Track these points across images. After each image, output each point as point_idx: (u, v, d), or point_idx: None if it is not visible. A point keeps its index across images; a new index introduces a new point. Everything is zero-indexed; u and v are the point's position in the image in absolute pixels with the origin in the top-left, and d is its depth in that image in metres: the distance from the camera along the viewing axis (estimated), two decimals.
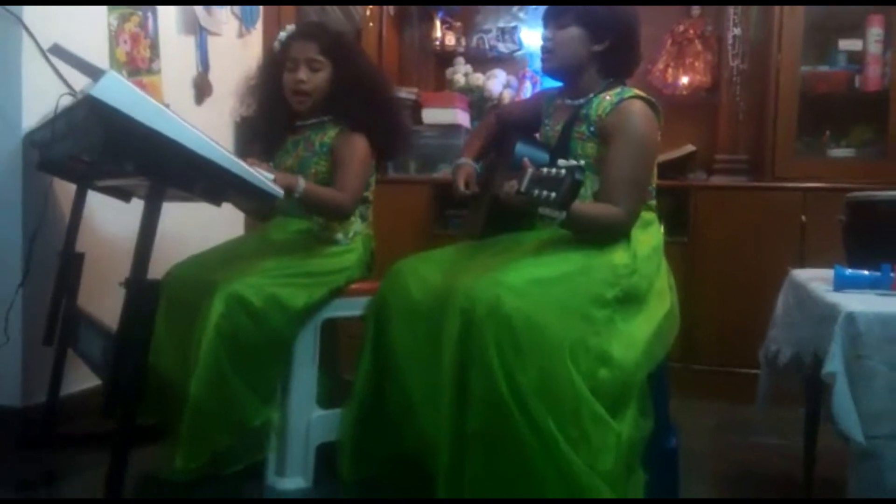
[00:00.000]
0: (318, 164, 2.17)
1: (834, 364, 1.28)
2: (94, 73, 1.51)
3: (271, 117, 2.25)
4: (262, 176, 1.62)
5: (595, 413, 1.65)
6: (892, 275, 1.49)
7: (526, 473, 1.61)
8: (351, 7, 3.58)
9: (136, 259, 1.53)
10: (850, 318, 1.30)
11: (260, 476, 2.05)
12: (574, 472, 1.60)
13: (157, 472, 1.93)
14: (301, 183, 1.96)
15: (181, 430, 1.86)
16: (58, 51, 1.66)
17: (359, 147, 2.13)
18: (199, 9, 2.97)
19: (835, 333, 1.29)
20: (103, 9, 2.53)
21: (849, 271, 1.55)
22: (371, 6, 3.42)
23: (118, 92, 1.42)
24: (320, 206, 2.06)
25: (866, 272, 1.53)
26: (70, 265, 2.22)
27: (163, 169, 1.50)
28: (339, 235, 2.15)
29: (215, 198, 1.63)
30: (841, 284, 1.53)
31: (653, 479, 1.77)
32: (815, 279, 1.73)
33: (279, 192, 1.67)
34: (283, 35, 2.21)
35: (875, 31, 3.04)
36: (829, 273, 1.62)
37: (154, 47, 2.76)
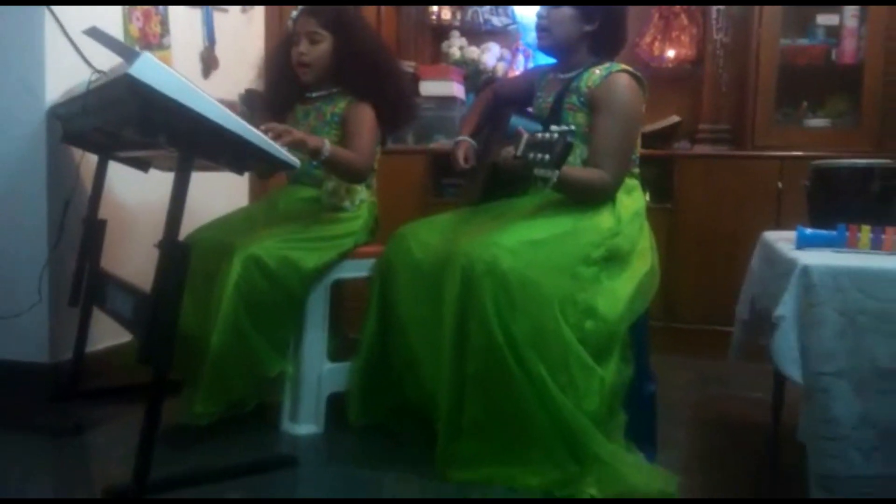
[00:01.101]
0: (329, 134, 2.30)
1: (784, 309, 1.46)
2: (128, 53, 1.66)
3: (282, 89, 2.39)
4: (279, 147, 1.78)
5: (582, 360, 1.83)
6: (846, 234, 1.67)
7: (519, 413, 1.80)
8: None
9: (168, 222, 1.68)
10: (805, 270, 1.47)
11: (275, 422, 2.23)
12: (562, 411, 1.79)
13: (177, 419, 2.07)
14: (327, 144, 2.10)
15: (202, 379, 2.02)
16: (95, 33, 1.79)
17: (367, 115, 2.27)
18: None
19: (790, 283, 1.47)
20: None
21: (809, 231, 1.72)
22: None
23: (153, 71, 1.56)
24: (341, 167, 2.19)
25: (825, 232, 1.70)
26: (93, 231, 2.37)
27: (192, 141, 1.65)
28: (346, 203, 2.30)
29: (238, 167, 1.79)
30: (802, 243, 1.71)
31: (633, 420, 1.96)
32: (782, 239, 1.90)
33: (297, 162, 1.83)
34: (294, 13, 2.35)
35: (851, 7, 3.17)
36: (794, 234, 1.78)
37: (164, 23, 2.89)
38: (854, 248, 1.65)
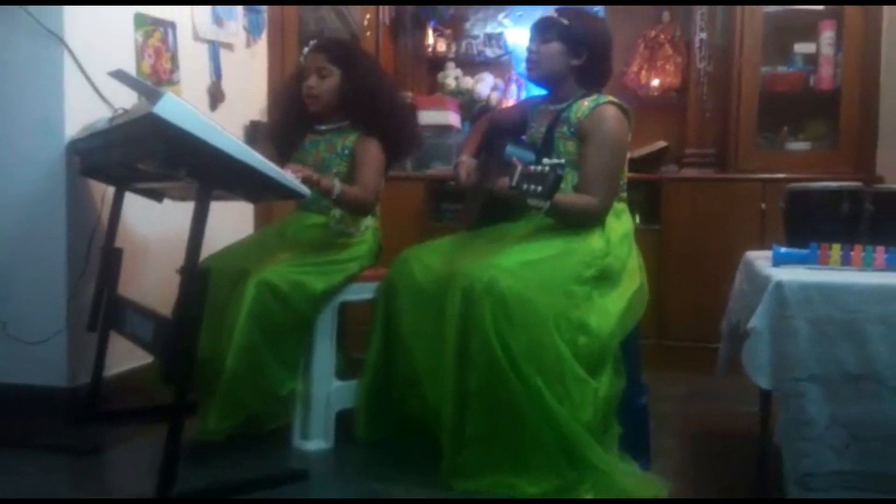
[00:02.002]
0: (340, 166, 2.44)
1: (757, 320, 1.59)
2: (151, 93, 1.79)
3: (291, 121, 2.53)
4: (291, 178, 1.91)
5: (576, 373, 1.95)
6: (818, 252, 1.80)
7: (519, 424, 1.91)
8: (348, 17, 3.86)
9: (189, 249, 1.81)
10: (779, 285, 1.60)
11: (286, 439, 2.33)
12: (559, 422, 1.90)
13: (192, 437, 2.14)
14: (337, 186, 2.25)
15: (216, 396, 2.13)
16: (120, 75, 1.93)
17: (375, 149, 2.41)
18: (211, 23, 3.24)
19: (764, 298, 1.60)
20: (130, 26, 2.80)
21: (783, 249, 1.85)
22: (369, 15, 3.69)
23: (175, 109, 1.69)
24: (351, 204, 2.34)
25: (798, 250, 1.84)
26: (111, 259, 2.49)
27: (211, 174, 1.79)
28: (352, 229, 2.43)
29: (254, 197, 1.92)
30: (778, 261, 1.84)
31: (627, 431, 2.07)
32: (761, 258, 2.03)
33: (307, 192, 1.96)
34: (305, 49, 2.50)
35: (827, 35, 3.34)
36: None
37: (174, 59, 3.03)
38: (826, 265, 1.78)
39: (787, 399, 1.57)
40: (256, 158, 1.80)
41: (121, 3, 2.74)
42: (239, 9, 3.46)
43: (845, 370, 1.55)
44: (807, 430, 1.55)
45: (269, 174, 1.82)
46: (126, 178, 2.40)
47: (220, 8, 3.27)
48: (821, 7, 3.35)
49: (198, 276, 1.80)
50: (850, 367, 1.55)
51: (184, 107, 1.71)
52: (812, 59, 3.39)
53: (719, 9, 3.43)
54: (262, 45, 3.70)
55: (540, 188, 1.80)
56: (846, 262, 1.76)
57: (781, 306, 1.58)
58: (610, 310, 2.05)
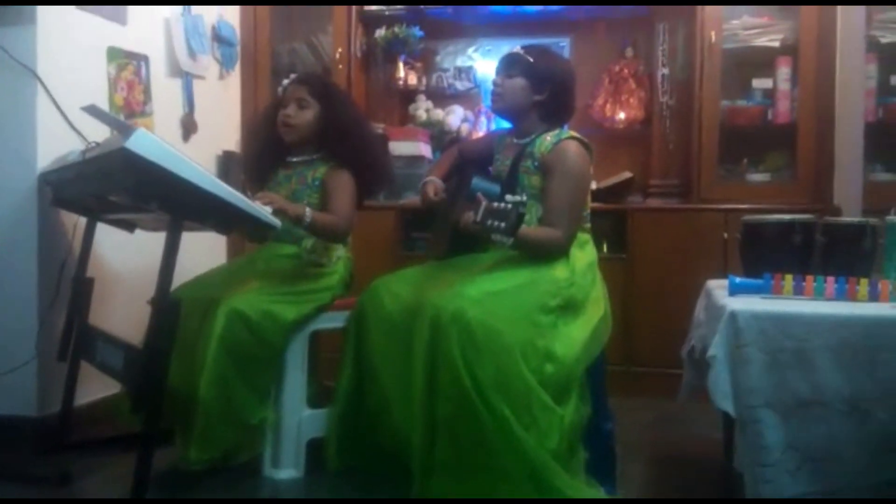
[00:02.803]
0: (311, 197, 2.48)
1: (714, 349, 1.66)
2: (123, 128, 1.83)
3: (266, 152, 2.58)
4: (262, 209, 1.95)
5: (542, 401, 1.99)
6: (771, 282, 1.87)
7: (486, 452, 1.94)
8: (320, 49, 3.92)
9: (160, 280, 1.84)
10: (733, 315, 1.67)
11: (257, 468, 2.34)
12: (526, 449, 1.93)
13: (174, 465, 2.18)
14: (308, 212, 2.29)
15: (194, 428, 2.14)
16: (93, 110, 1.96)
17: (347, 180, 2.46)
18: (183, 56, 3.28)
19: (720, 328, 1.66)
20: (103, 60, 2.83)
21: (739, 279, 1.92)
22: (340, 49, 3.75)
23: (147, 144, 1.73)
24: (324, 231, 2.38)
25: (753, 280, 1.91)
26: (82, 288, 2.50)
27: (182, 206, 1.82)
28: (324, 259, 2.47)
29: (224, 228, 1.95)
30: (734, 290, 1.91)
31: (593, 457, 2.12)
32: (721, 287, 2.10)
33: (277, 223, 2.00)
34: (285, 82, 2.55)
35: (784, 71, 3.46)
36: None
37: (147, 92, 3.07)
38: (779, 295, 1.85)
39: (745, 426, 1.63)
40: (226, 190, 1.84)
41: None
42: (211, 42, 3.51)
43: (798, 396, 1.61)
44: (764, 455, 1.60)
45: (239, 206, 1.85)
46: (98, 209, 2.42)
47: (192, 41, 3.31)
48: (777, 45, 3.47)
49: (169, 307, 1.82)
50: (801, 392, 1.61)
51: (155, 141, 1.75)
52: (769, 94, 3.50)
53: (679, 45, 3.54)
54: (235, 77, 3.75)
55: (503, 224, 1.86)
56: (798, 291, 1.84)
57: (736, 336, 1.65)
58: (575, 337, 2.10)
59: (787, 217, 2.11)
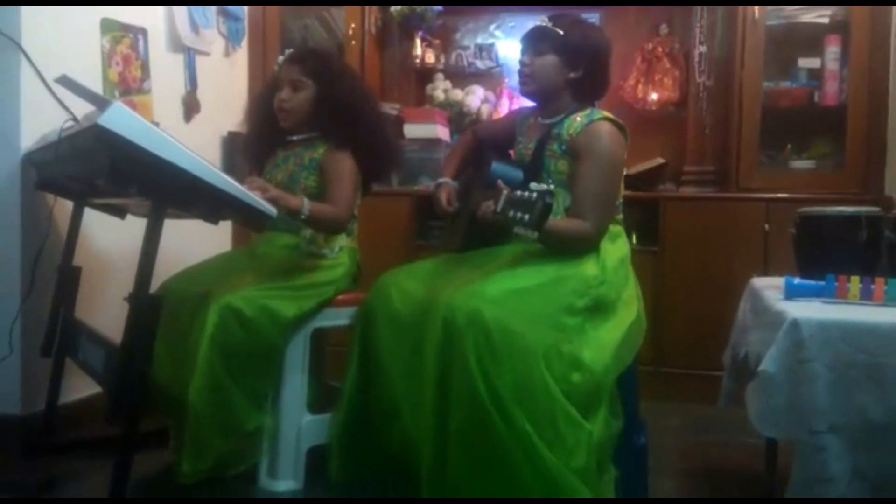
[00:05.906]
0: (308, 180, 2.29)
1: (768, 363, 1.42)
2: (100, 102, 1.62)
3: (263, 133, 2.38)
4: (255, 197, 1.74)
5: (568, 414, 1.77)
6: (835, 284, 1.63)
7: (504, 470, 1.73)
8: (332, 25, 3.70)
9: (138, 275, 1.64)
10: (795, 324, 1.43)
11: (253, 479, 2.16)
12: (549, 469, 1.72)
13: (167, 476, 2.03)
14: (305, 204, 2.09)
15: (185, 436, 1.97)
16: (66, 81, 1.76)
17: (346, 164, 2.25)
18: (186, 29, 3.08)
19: (778, 338, 1.43)
20: (97, 32, 2.63)
21: (797, 281, 1.68)
22: (354, 24, 3.54)
23: (123, 120, 1.53)
24: (321, 223, 2.20)
25: (813, 282, 1.67)
26: (68, 279, 2.32)
27: (164, 191, 1.62)
28: (325, 250, 2.27)
29: (213, 217, 1.74)
30: (790, 293, 1.67)
31: (623, 475, 1.90)
32: (770, 287, 1.87)
33: (273, 211, 1.79)
34: (279, 59, 2.34)
35: (832, 50, 3.21)
36: (783, 281, 1.75)
37: (145, 68, 2.87)
38: (844, 299, 1.61)
39: (806, 454, 1.39)
40: (215, 175, 1.63)
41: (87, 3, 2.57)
42: (216, 16, 3.30)
43: (868, 419, 1.38)
44: (827, 488, 1.37)
45: (230, 192, 1.64)
46: (83, 193, 2.23)
47: (196, 15, 3.10)
48: (826, 21, 3.22)
49: (148, 305, 1.62)
50: (874, 415, 1.38)
51: (134, 118, 1.55)
52: (816, 74, 3.26)
53: (719, 21, 3.29)
54: (242, 53, 3.54)
55: (527, 216, 1.63)
56: (866, 296, 1.60)
57: (798, 349, 1.41)
58: (605, 343, 1.88)
59: (849, 209, 1.86)
